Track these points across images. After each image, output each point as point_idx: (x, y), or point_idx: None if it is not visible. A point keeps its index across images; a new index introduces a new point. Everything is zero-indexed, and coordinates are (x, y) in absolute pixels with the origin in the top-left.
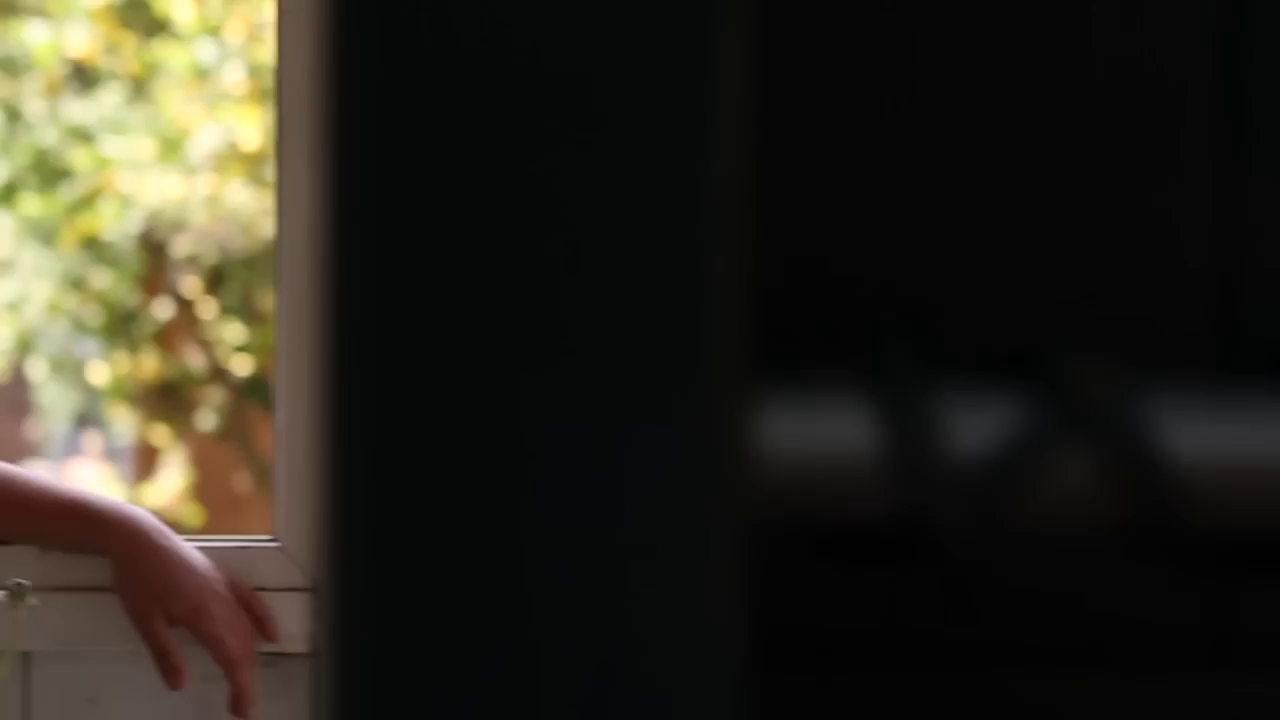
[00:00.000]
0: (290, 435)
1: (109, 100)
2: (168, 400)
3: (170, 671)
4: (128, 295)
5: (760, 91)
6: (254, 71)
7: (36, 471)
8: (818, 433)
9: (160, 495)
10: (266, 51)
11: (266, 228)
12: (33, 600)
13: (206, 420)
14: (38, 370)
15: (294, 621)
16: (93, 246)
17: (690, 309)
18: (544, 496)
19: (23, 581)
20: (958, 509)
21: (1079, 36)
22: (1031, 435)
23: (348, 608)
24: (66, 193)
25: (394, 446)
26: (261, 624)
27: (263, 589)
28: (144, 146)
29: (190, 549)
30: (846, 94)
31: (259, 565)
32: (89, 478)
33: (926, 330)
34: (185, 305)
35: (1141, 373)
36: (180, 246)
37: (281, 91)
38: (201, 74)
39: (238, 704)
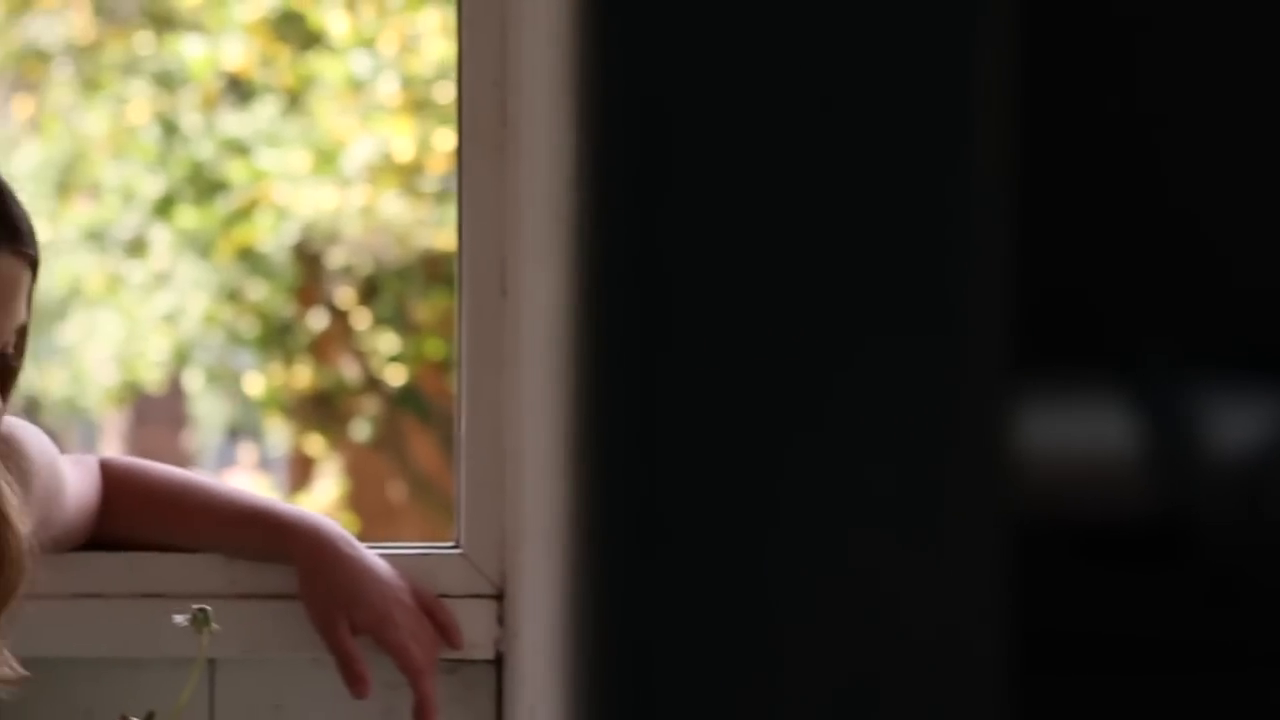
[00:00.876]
0: (472, 443)
1: (264, 113)
2: (322, 410)
3: (355, 680)
4: (283, 306)
5: (1022, 91)
6: (408, 83)
7: (222, 481)
8: (1079, 433)
9: (315, 505)
10: (420, 63)
11: (420, 238)
12: (215, 626)
13: (361, 430)
14: (194, 381)
15: (477, 628)
16: (248, 258)
17: (949, 311)
18: (804, 500)
19: (205, 607)
20: (1221, 508)
21: None
22: None
23: (605, 612)
24: (222, 205)
25: (655, 453)
26: (445, 631)
27: (446, 596)
28: (299, 158)
29: (374, 557)
30: (1106, 99)
31: (442, 572)
32: (245, 488)
33: (1186, 329)
34: (339, 316)
35: None
36: (335, 258)
37: (463, 100)
38: (356, 86)
39: (422, 712)
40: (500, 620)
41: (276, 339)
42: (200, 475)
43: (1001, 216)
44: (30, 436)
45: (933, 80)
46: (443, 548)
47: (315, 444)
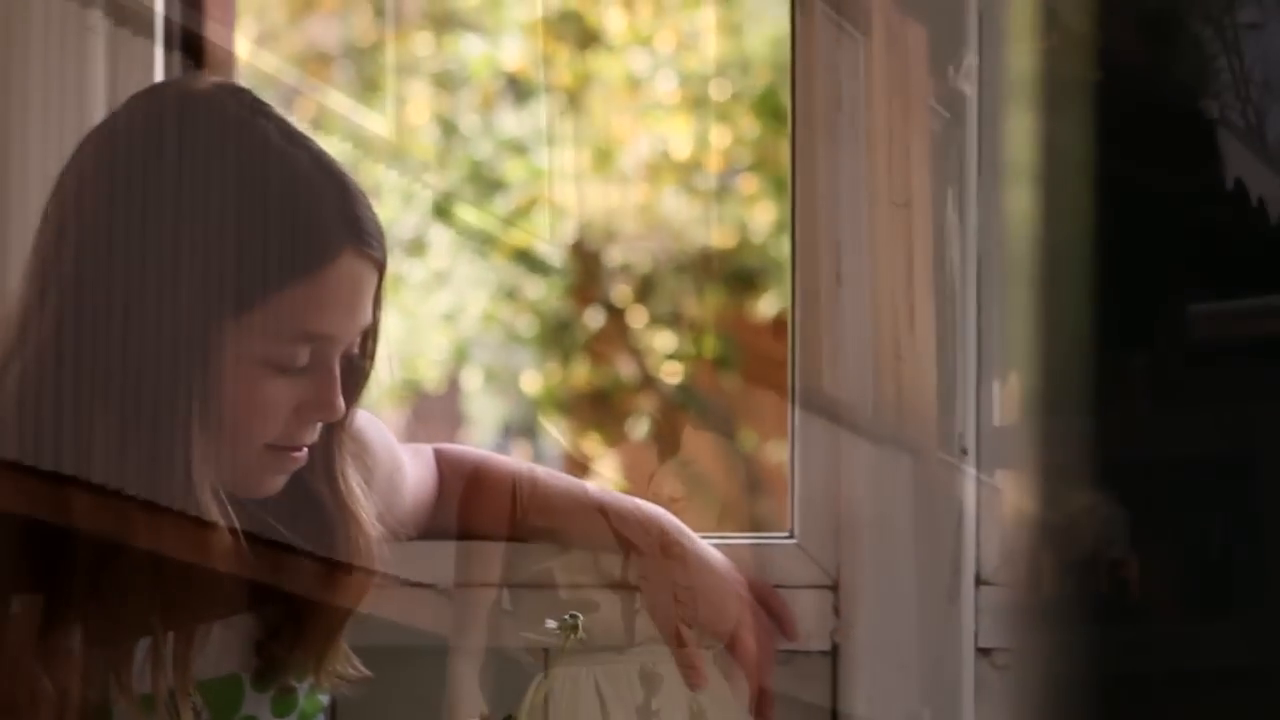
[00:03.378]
0: (805, 433)
1: (542, 112)
2: (599, 408)
3: (691, 673)
4: (560, 305)
5: None
6: (685, 80)
7: (559, 473)
8: None
9: None
10: (698, 60)
11: (697, 236)
12: (582, 634)
13: (637, 428)
14: (472, 380)
15: (812, 619)
16: (527, 257)
17: None
18: None
19: (577, 614)
20: None
21: None
22: None
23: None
24: (501, 204)
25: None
26: (781, 622)
27: (780, 586)
28: (577, 157)
29: (710, 550)
30: None
31: (777, 562)
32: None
33: None
34: (616, 314)
35: None
36: (612, 256)
37: (796, 85)
38: (633, 84)
39: (759, 705)
40: (835, 610)
41: (554, 337)
42: (536, 466)
43: None
44: (371, 428)
45: None
46: (777, 538)
47: (591, 442)
